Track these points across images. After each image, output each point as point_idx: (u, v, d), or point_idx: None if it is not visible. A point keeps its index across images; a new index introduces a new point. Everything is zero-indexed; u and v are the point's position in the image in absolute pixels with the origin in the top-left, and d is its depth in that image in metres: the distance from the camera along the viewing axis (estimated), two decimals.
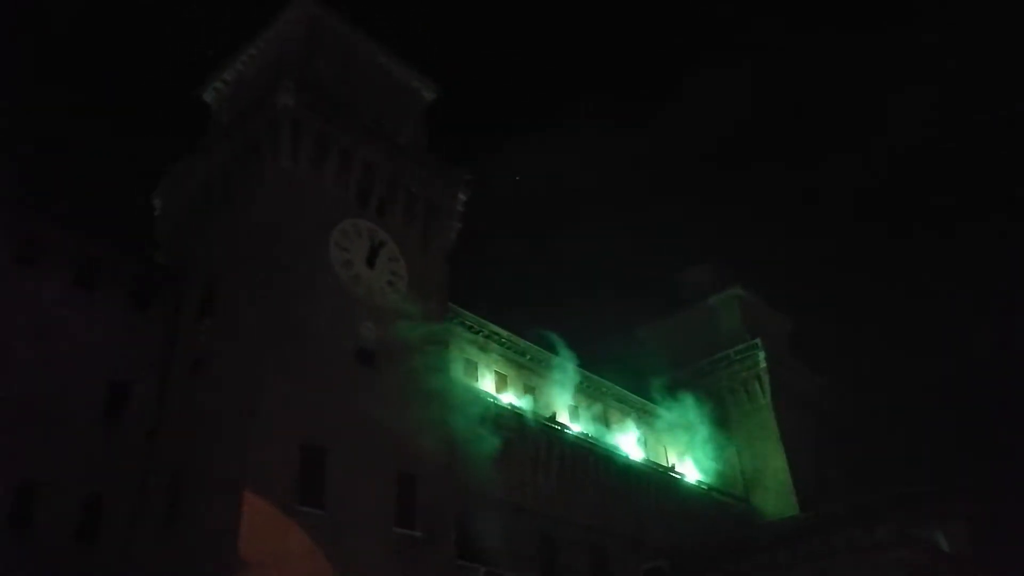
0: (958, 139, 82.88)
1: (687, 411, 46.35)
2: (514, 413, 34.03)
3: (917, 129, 77.87)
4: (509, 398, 35.34)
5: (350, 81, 33.38)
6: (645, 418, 43.30)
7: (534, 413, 35.29)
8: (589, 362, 40.67)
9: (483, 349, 35.95)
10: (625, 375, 43.02)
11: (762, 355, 48.95)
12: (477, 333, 35.74)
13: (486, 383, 35.09)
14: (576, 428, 37.40)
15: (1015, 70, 74.53)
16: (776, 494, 45.29)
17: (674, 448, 44.40)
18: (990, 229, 75.26)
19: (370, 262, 29.34)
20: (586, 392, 40.24)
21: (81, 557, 23.73)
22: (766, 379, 48.88)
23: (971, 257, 75.84)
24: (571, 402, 39.08)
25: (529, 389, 37.19)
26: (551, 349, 38.67)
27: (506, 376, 36.47)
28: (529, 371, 37.67)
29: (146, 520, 24.97)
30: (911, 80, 79.64)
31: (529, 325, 38.09)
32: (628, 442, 40.69)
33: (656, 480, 39.82)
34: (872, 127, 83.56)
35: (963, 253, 76.79)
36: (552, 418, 36.19)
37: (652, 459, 41.36)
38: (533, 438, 34.08)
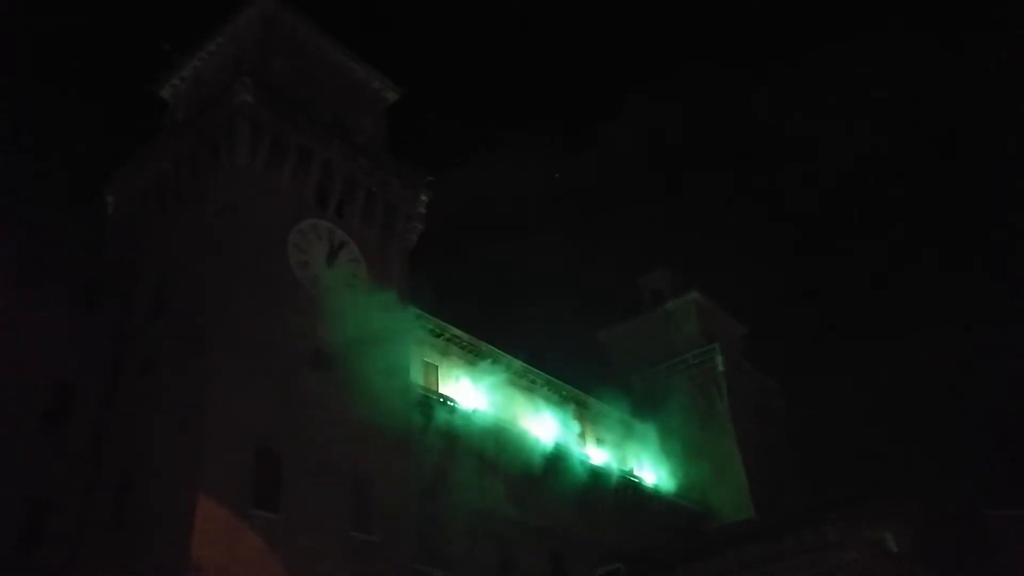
0: (907, 152, 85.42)
1: (647, 415, 46.78)
2: (474, 418, 33.90)
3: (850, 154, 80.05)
4: (470, 402, 35.17)
5: (309, 80, 33.08)
6: (605, 422, 43.47)
7: (495, 417, 35.16)
8: (551, 364, 40.83)
9: (444, 353, 35.74)
10: (587, 378, 43.19)
11: (720, 359, 49.48)
12: (438, 336, 35.52)
13: (447, 387, 34.90)
14: (535, 431, 37.38)
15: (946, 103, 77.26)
16: (733, 497, 45.77)
17: (633, 452, 44.68)
18: (937, 239, 77.68)
19: (329, 263, 29.04)
20: (544, 396, 40.25)
21: (25, 564, 22.96)
22: (723, 383, 49.36)
23: (921, 263, 77.93)
24: (530, 406, 39.06)
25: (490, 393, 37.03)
26: (513, 354, 38.62)
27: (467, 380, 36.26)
28: (490, 375, 37.52)
29: (93, 525, 24.29)
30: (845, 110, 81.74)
31: (492, 329, 38.01)
32: (588, 446, 40.81)
33: (615, 484, 40.01)
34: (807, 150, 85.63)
35: (912, 261, 79.13)
36: (512, 422, 36.11)
37: (611, 463, 41.55)
38: (493, 442, 33.97)
